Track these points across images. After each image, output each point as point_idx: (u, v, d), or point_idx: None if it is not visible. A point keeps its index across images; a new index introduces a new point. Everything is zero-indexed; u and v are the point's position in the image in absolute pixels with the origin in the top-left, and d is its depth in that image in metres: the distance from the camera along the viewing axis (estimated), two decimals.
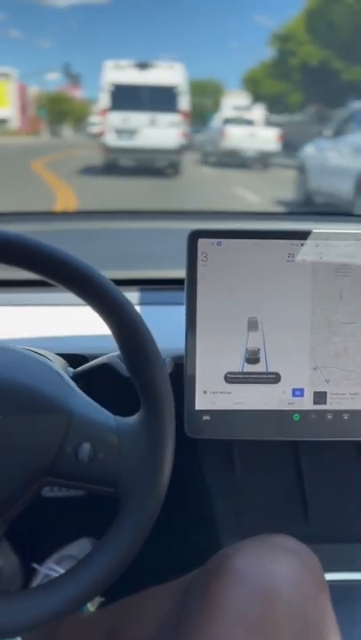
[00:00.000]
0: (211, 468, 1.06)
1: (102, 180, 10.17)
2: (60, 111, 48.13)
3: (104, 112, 11.89)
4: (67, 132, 44.39)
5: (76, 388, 0.60)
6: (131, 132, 11.29)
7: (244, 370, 0.76)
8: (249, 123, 15.32)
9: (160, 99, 11.50)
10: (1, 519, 0.55)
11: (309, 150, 7.66)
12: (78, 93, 59.82)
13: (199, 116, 31.78)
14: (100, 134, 12.43)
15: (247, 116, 16.87)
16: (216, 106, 43.77)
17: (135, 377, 0.56)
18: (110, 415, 0.58)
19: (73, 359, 0.74)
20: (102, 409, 0.59)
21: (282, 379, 0.76)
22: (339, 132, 6.84)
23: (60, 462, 0.55)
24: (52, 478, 0.56)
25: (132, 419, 0.58)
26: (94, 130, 31.68)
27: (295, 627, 0.58)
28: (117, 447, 0.56)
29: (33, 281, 0.89)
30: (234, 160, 13.86)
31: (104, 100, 11.97)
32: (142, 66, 11.98)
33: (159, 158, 11.51)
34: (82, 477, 0.56)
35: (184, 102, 11.88)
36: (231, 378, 0.76)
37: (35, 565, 1.11)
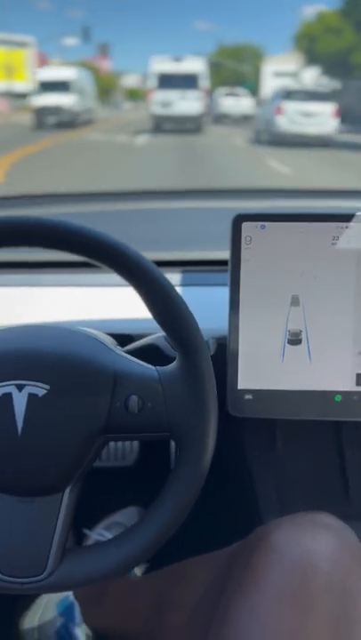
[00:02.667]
0: (253, 445, 1.07)
1: (154, 137, 16.03)
2: None
3: (150, 92, 18.46)
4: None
5: (117, 350, 0.63)
6: (169, 104, 17.71)
7: (286, 350, 0.76)
8: (237, 95, 23.26)
9: (187, 81, 17.98)
10: (74, 479, 0.59)
11: (260, 109, 14.23)
12: (107, 64, 53.61)
13: (238, 85, 30.77)
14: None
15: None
16: (256, 73, 41.91)
17: (165, 325, 0.59)
18: (152, 367, 0.61)
19: (120, 339, 0.76)
20: (144, 363, 0.62)
21: (325, 360, 0.76)
22: (270, 99, 13.49)
23: (113, 418, 0.58)
24: (110, 434, 0.59)
25: (172, 365, 0.61)
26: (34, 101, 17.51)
27: (332, 598, 0.59)
28: (162, 394, 0.59)
29: (75, 262, 0.98)
30: (227, 120, 21.88)
31: (152, 83, 18.53)
32: (177, 59, 18.85)
33: (188, 121, 17.86)
34: (136, 428, 0.59)
35: (204, 83, 18.46)
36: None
37: (85, 531, 1.16)
